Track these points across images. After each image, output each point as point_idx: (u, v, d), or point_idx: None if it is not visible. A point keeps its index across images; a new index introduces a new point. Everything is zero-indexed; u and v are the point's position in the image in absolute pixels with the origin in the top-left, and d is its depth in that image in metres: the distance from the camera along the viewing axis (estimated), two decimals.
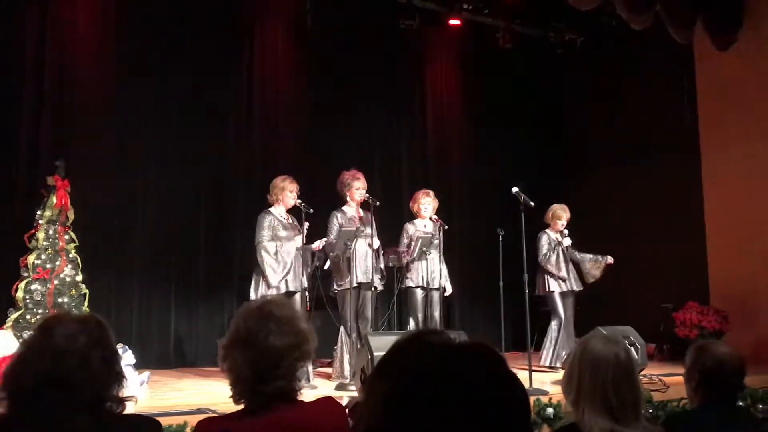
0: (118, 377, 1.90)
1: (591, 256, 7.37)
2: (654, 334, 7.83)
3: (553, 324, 7.27)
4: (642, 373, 5.92)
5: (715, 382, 2.55)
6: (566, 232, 7.31)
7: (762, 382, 5.44)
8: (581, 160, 10.00)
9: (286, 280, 5.98)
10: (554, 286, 7.26)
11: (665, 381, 5.63)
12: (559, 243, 7.26)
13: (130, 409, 1.96)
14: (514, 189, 6.20)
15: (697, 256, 8.41)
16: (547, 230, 7.35)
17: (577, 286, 7.31)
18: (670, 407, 4.90)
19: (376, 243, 6.39)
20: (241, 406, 1.88)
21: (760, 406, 5.04)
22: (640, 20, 7.42)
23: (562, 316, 7.20)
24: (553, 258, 7.23)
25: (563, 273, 7.23)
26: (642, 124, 9.18)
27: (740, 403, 2.72)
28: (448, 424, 0.83)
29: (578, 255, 7.37)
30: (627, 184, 9.20)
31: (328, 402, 2.01)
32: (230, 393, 1.88)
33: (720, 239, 8.32)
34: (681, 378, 2.74)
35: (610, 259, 7.29)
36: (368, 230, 6.30)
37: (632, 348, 5.72)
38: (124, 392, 1.92)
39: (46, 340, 1.83)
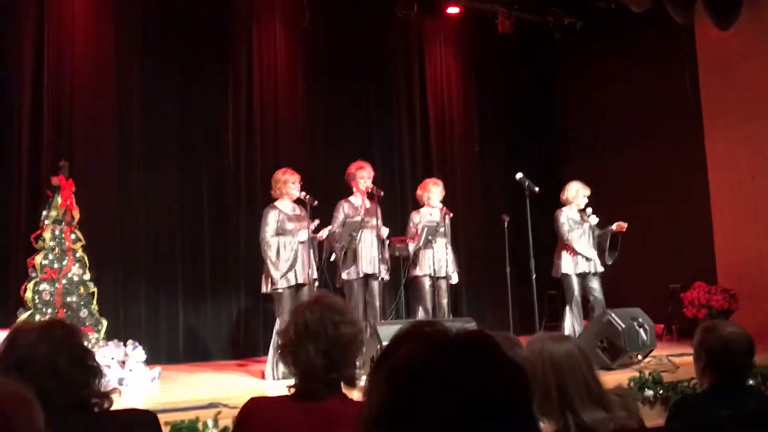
0: (95, 373, 1.90)
1: (602, 231, 6.89)
2: (662, 315, 7.84)
3: (567, 310, 6.78)
4: (651, 354, 5.94)
5: (722, 362, 2.55)
6: (590, 210, 6.87)
7: None
8: (584, 144, 9.98)
9: (295, 272, 5.93)
10: (570, 267, 6.77)
11: (675, 362, 5.64)
12: (585, 221, 6.83)
13: (136, 400, 1.97)
14: (518, 175, 6.21)
15: (704, 236, 8.40)
16: (563, 208, 6.95)
17: (600, 268, 6.84)
18: (681, 387, 4.91)
19: (385, 232, 6.39)
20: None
21: None
22: (639, 2, 7.38)
23: (578, 299, 6.72)
24: (577, 234, 6.77)
25: (589, 251, 6.76)
26: (645, 105, 9.15)
27: (751, 382, 2.72)
28: (446, 415, 0.82)
29: (597, 232, 6.91)
30: (631, 166, 9.18)
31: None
32: (293, 384, 1.97)
33: (726, 218, 8.32)
34: (690, 358, 2.74)
35: (614, 226, 6.80)
36: (374, 221, 6.29)
37: (641, 329, 5.73)
38: (108, 386, 1.92)
39: (11, 351, 1.83)
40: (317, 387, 1.91)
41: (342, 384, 1.96)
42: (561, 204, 7.02)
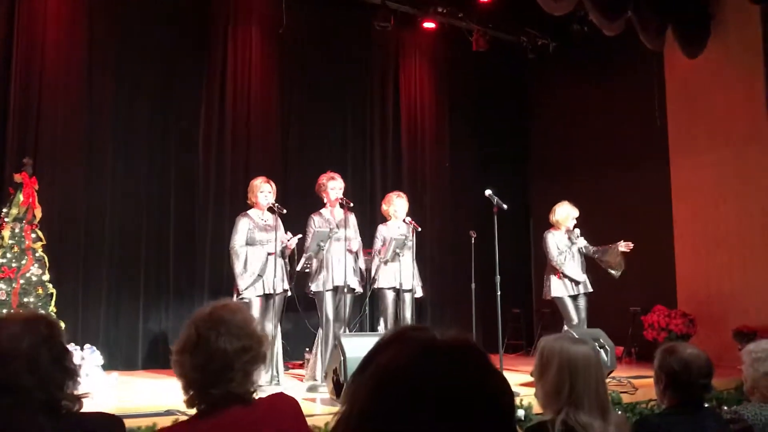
0: (71, 374, 1.87)
1: (602, 248, 6.92)
2: (622, 337, 7.92)
3: (566, 330, 6.67)
4: (611, 375, 5.99)
5: (681, 383, 2.58)
6: (578, 232, 6.91)
7: (727, 384, 5.53)
8: (552, 163, 10.09)
9: (263, 282, 5.89)
10: (562, 290, 6.83)
11: (634, 383, 5.71)
12: (573, 243, 6.88)
13: (92, 406, 1.93)
14: (488, 191, 6.24)
15: (666, 260, 8.52)
16: (551, 230, 6.97)
17: (589, 288, 6.91)
18: (639, 409, 4.96)
19: (355, 245, 6.36)
20: (194, 411, 1.88)
21: (725, 407, 5.10)
22: (612, 27, 7.50)
23: (575, 320, 6.77)
24: (568, 258, 6.82)
25: (579, 276, 6.84)
26: (613, 129, 9.28)
27: (706, 405, 2.75)
28: (429, 419, 0.82)
29: (592, 250, 6.94)
30: (595, 188, 9.27)
31: (279, 397, 2.02)
32: (183, 398, 1.88)
33: (687, 244, 8.45)
34: (649, 380, 2.77)
35: (621, 246, 6.82)
36: (344, 232, 6.25)
37: (602, 350, 5.78)
38: (79, 389, 1.88)
39: None
40: (200, 401, 1.83)
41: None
42: (549, 225, 7.07)
